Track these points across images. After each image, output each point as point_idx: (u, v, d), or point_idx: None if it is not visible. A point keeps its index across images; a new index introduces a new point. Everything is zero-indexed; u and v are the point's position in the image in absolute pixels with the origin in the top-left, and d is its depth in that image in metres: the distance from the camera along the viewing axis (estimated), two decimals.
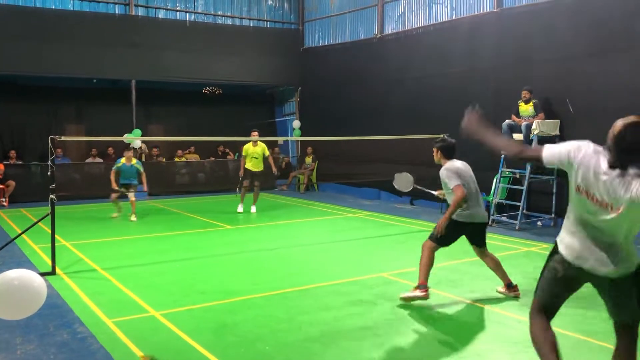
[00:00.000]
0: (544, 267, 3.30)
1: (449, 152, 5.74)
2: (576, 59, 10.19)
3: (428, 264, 5.61)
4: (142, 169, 11.38)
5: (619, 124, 3.03)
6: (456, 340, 4.30)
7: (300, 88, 17.84)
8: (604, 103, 9.77)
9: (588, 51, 10.03)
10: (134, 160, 11.39)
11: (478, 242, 5.83)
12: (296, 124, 17.32)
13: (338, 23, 16.56)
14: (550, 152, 3.20)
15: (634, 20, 9.44)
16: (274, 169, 12.48)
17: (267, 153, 12.29)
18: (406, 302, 5.60)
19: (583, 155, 3.09)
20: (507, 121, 10.62)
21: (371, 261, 7.58)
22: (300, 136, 16.74)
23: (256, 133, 12.04)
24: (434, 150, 5.82)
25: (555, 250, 3.32)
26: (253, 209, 12.27)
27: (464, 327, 4.94)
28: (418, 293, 5.53)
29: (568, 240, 3.20)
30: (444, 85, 12.62)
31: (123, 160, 11.20)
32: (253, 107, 18.71)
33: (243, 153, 12.30)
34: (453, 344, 4.58)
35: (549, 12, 10.69)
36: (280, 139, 18.16)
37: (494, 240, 9.08)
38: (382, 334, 4.88)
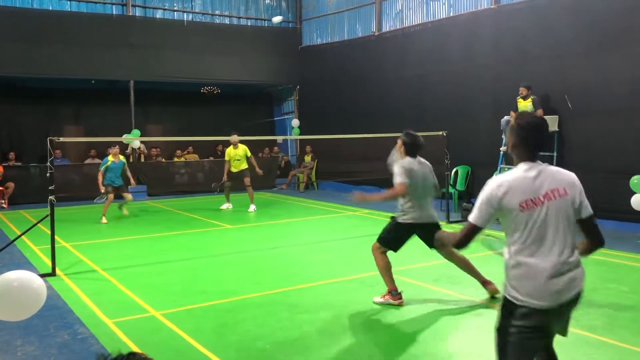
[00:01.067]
0: None
1: (411, 150, 5.56)
2: (574, 55, 10.19)
3: (384, 267, 5.57)
4: (125, 162, 11.48)
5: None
6: (457, 338, 4.31)
7: (298, 87, 17.84)
8: (601, 99, 9.78)
9: (586, 47, 10.04)
10: (121, 157, 11.46)
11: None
12: (295, 122, 17.31)
13: (336, 21, 16.56)
14: (478, 215, 2.87)
15: (631, 16, 9.45)
16: (257, 170, 12.44)
17: (249, 154, 12.38)
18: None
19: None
20: (505, 117, 10.61)
21: (371, 259, 7.54)
22: (299, 135, 16.73)
23: (235, 134, 12.05)
24: (399, 141, 5.58)
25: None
26: (252, 207, 12.35)
27: (465, 325, 4.94)
28: (391, 301, 5.52)
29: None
30: (443, 82, 12.62)
31: (111, 158, 11.16)
32: (252, 106, 18.71)
33: (226, 157, 12.42)
34: (454, 342, 4.58)
35: (546, 9, 10.69)
36: (279, 138, 18.16)
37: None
38: (382, 332, 4.89)
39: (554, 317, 2.83)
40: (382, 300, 5.57)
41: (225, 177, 12.43)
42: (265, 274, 6.99)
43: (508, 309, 2.85)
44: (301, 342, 4.67)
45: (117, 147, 11.47)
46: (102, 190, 11.05)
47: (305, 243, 9.02)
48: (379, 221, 10.74)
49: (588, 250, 3.08)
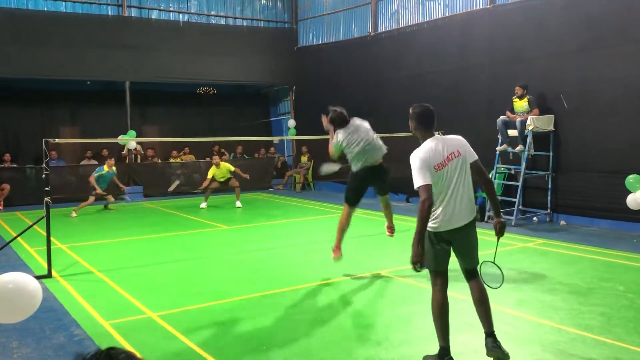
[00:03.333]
0: None
1: (339, 123, 6.94)
2: (569, 55, 10.22)
3: (342, 224, 6.82)
4: (116, 172, 12.90)
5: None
6: (453, 337, 4.31)
7: (294, 87, 17.82)
8: (597, 98, 9.81)
9: (581, 46, 10.06)
10: (114, 168, 12.71)
11: (380, 188, 7.03)
12: (291, 123, 17.30)
13: (332, 22, 16.56)
14: (423, 178, 3.96)
15: (625, 15, 9.47)
16: (244, 175, 13.22)
17: (232, 168, 13.18)
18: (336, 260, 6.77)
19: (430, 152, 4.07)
20: (501, 117, 10.63)
21: (368, 259, 7.59)
22: (296, 135, 16.72)
23: (216, 157, 13.12)
24: (323, 117, 7.17)
25: None
26: (238, 203, 12.99)
27: (461, 324, 4.94)
28: (332, 254, 6.81)
29: None
30: (438, 82, 12.63)
31: (106, 167, 12.38)
32: (248, 107, 18.69)
33: (209, 176, 13.13)
34: (450, 341, 4.58)
35: (541, 8, 10.72)
36: (276, 139, 18.14)
37: (490, 237, 9.09)
38: (380, 332, 4.89)
39: (448, 238, 4.11)
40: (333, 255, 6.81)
41: (200, 189, 13.32)
42: (261, 274, 6.98)
43: (429, 234, 4.14)
44: (298, 343, 4.67)
45: (113, 159, 12.78)
46: (98, 191, 12.14)
47: (302, 243, 9.02)
48: (375, 221, 10.75)
49: (486, 191, 4.39)
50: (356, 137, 6.75)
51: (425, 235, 4.10)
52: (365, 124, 7.01)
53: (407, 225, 10.29)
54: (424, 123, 4.16)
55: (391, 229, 7.39)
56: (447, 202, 4.03)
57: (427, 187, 3.95)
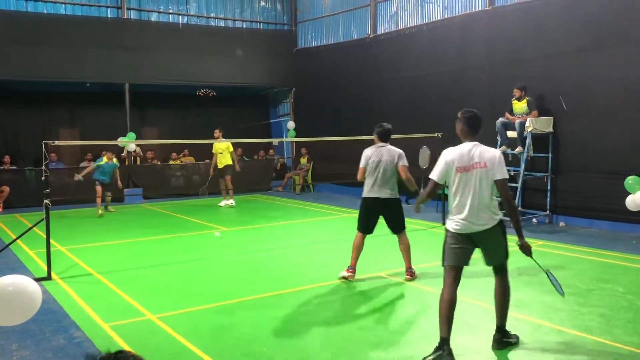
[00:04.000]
0: None
1: (380, 136, 6.82)
2: (568, 56, 10.23)
3: (356, 245, 6.64)
4: (118, 165, 12.83)
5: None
6: (453, 337, 4.32)
7: (294, 89, 17.83)
8: (596, 99, 9.82)
9: (580, 48, 10.07)
10: (115, 159, 12.74)
11: (390, 224, 6.71)
12: (290, 124, 17.31)
13: (331, 23, 16.57)
14: (437, 174, 4.38)
15: (625, 16, 9.49)
16: (237, 167, 13.54)
17: (231, 148, 13.37)
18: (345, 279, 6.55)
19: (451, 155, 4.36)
20: (500, 119, 10.65)
21: (368, 261, 7.56)
22: (295, 137, 16.72)
23: (217, 131, 13.09)
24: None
25: None
26: (231, 201, 13.34)
27: (462, 324, 4.94)
28: (345, 273, 6.57)
29: None
30: (438, 84, 12.64)
31: (105, 159, 12.45)
32: (247, 108, 18.68)
33: (213, 150, 13.44)
34: (450, 342, 4.58)
35: (540, 10, 10.73)
36: (275, 140, 18.14)
37: None
38: (380, 333, 4.89)
39: (473, 239, 4.33)
40: (342, 274, 6.59)
41: (212, 172, 13.45)
42: (261, 276, 6.98)
43: (447, 232, 4.42)
44: (298, 345, 4.67)
45: (111, 152, 12.75)
46: (78, 177, 12.43)
47: (302, 245, 9.01)
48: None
49: (505, 208, 4.47)
50: (374, 158, 6.61)
51: (446, 235, 4.44)
52: (392, 153, 6.68)
53: (408, 226, 10.29)
54: (470, 127, 4.44)
55: (410, 272, 6.69)
56: (468, 208, 4.27)
57: (434, 184, 4.39)
